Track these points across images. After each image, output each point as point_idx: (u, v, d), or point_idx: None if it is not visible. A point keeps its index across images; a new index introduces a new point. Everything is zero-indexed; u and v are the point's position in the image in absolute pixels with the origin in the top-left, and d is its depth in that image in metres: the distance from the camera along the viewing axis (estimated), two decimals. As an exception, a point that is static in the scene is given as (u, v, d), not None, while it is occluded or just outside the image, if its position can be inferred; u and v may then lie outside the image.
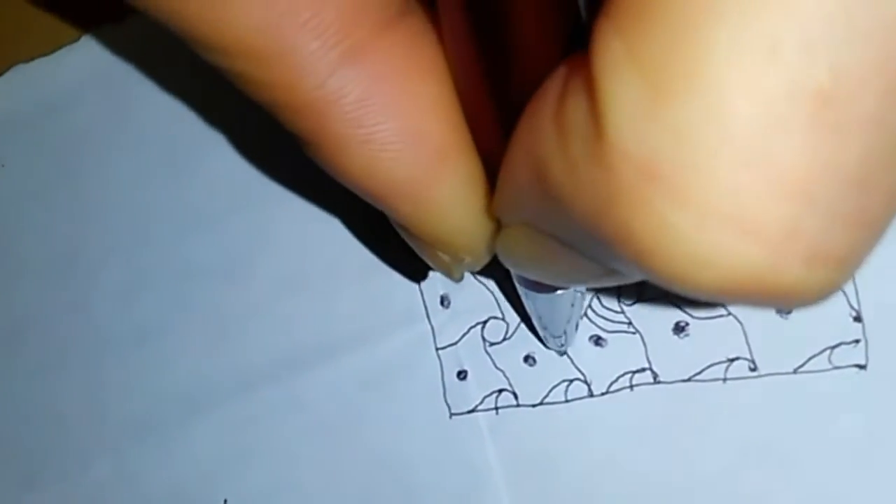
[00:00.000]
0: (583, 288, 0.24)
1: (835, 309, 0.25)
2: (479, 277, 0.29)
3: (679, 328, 0.26)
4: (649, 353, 0.27)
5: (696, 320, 0.26)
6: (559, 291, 0.21)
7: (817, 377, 0.25)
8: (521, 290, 0.22)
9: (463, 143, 0.17)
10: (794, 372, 0.25)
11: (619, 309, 0.27)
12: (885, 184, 0.10)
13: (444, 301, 0.29)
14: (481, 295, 0.29)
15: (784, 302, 0.11)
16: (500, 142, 0.15)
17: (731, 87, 0.09)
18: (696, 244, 0.10)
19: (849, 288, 0.25)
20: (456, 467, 0.29)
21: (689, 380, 0.26)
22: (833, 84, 0.09)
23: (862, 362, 0.25)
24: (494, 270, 0.23)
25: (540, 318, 0.25)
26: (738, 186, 0.09)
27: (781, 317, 0.25)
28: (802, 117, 0.09)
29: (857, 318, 0.25)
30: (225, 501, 0.31)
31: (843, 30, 0.09)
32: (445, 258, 0.19)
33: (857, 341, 0.25)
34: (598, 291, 0.27)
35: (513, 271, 0.20)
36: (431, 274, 0.29)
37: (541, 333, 0.26)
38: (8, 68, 0.32)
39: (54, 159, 0.32)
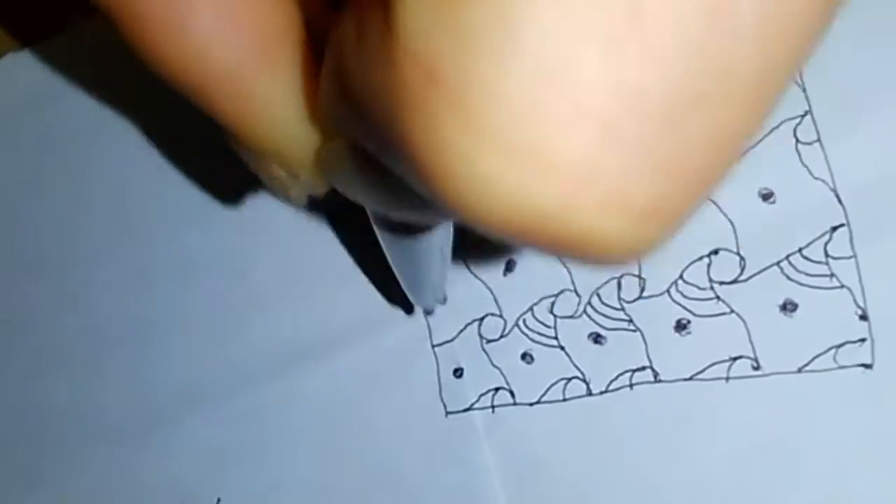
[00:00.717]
0: (446, 235, 0.22)
1: (840, 307, 0.24)
2: (476, 274, 0.28)
3: (681, 326, 0.26)
4: (650, 351, 0.26)
5: (698, 318, 0.26)
6: (419, 236, 0.19)
7: (822, 376, 0.24)
8: (378, 233, 0.20)
9: (291, 38, 0.15)
10: (799, 371, 0.24)
11: (619, 306, 0.26)
12: (706, 124, 0.08)
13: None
14: (478, 291, 0.28)
15: (578, 252, 0.09)
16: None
17: None
18: (476, 165, 0.08)
19: (854, 285, 0.24)
20: (452, 466, 0.28)
21: (690, 379, 0.26)
22: None
23: (868, 362, 0.24)
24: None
25: (400, 266, 0.22)
26: (526, 104, 0.08)
27: (786, 315, 0.25)
28: (609, 32, 0.08)
29: (864, 317, 0.24)
30: (218, 500, 0.31)
31: None
32: (280, 173, 0.17)
33: (862, 340, 0.24)
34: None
35: (369, 213, 0.18)
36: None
37: (404, 285, 0.24)
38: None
39: (48, 151, 0.32)
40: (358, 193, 0.16)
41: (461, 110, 0.08)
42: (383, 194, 0.14)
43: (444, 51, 0.08)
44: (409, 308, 0.28)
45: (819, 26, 0.08)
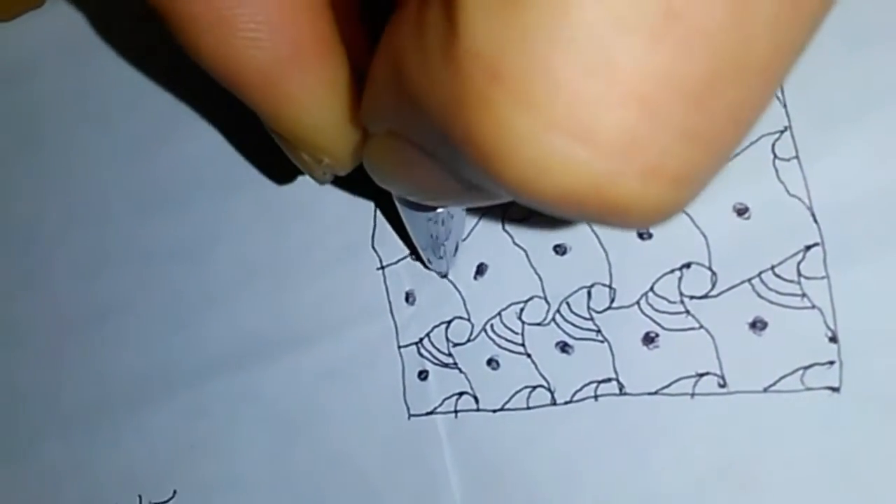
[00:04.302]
0: (461, 208, 0.24)
1: (810, 328, 0.24)
2: (448, 277, 0.28)
3: (649, 339, 0.25)
4: (616, 362, 0.26)
5: (667, 332, 0.25)
6: (439, 210, 0.21)
7: (788, 398, 0.24)
8: (399, 206, 0.21)
9: (325, 41, 0.17)
10: (765, 391, 0.24)
11: (588, 315, 0.26)
12: (727, 102, 0.10)
13: (408, 297, 0.28)
14: (447, 293, 0.28)
15: (621, 217, 0.11)
16: (368, 49, 0.15)
17: None
18: (535, 148, 0.10)
19: (826, 307, 0.23)
20: (411, 470, 0.28)
21: (655, 393, 0.25)
22: None
23: (835, 385, 0.23)
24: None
25: (418, 237, 0.24)
26: (579, 91, 0.09)
27: (755, 333, 0.24)
28: (648, 26, 0.09)
29: (833, 339, 0.23)
30: (174, 492, 0.30)
31: None
32: (306, 158, 0.19)
33: (831, 363, 0.23)
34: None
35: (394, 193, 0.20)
36: (397, 269, 0.28)
37: (421, 254, 0.26)
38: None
39: (13, 129, 0.31)
40: (395, 183, 0.17)
41: (522, 101, 0.10)
42: (426, 186, 0.15)
43: (505, 50, 0.09)
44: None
45: (823, 11, 0.10)
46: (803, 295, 0.24)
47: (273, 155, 0.29)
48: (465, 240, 0.27)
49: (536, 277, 0.27)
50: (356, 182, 0.28)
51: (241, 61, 0.16)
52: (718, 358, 0.25)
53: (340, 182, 0.29)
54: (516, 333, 0.27)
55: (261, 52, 0.16)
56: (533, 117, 0.10)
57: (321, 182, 0.21)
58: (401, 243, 0.28)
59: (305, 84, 0.17)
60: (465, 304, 0.27)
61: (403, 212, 0.22)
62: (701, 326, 0.25)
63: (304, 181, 0.29)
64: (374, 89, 0.14)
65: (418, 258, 0.27)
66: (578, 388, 0.26)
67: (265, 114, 0.18)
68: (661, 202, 0.10)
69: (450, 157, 0.12)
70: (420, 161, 0.14)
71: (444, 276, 0.27)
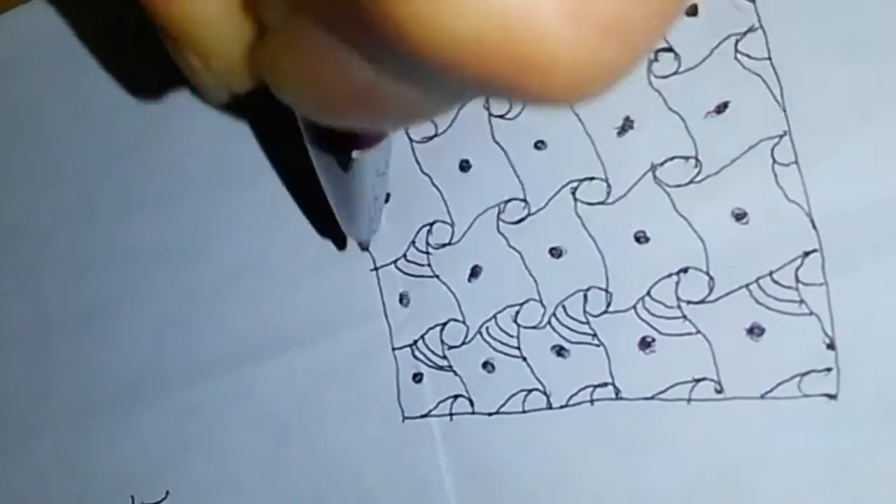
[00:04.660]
0: (381, 159, 0.21)
1: (808, 334, 0.23)
2: (441, 278, 0.27)
3: (645, 344, 0.25)
4: (613, 367, 0.25)
5: (664, 337, 0.25)
6: (352, 154, 0.18)
7: (785, 404, 0.24)
8: (311, 151, 0.19)
9: None
10: (762, 397, 0.24)
11: (584, 319, 0.26)
12: None
13: (403, 299, 0.28)
14: (442, 296, 0.27)
15: (537, 74, 0.09)
16: None
17: None
18: None
19: (823, 313, 0.23)
20: (405, 473, 0.27)
21: (652, 398, 0.25)
22: None
23: (832, 392, 0.23)
24: None
25: (334, 196, 0.22)
26: None
27: (752, 339, 0.24)
28: None
29: (831, 346, 0.23)
30: (167, 493, 0.30)
31: None
32: (195, 63, 0.17)
33: (828, 370, 0.23)
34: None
35: (303, 123, 0.18)
36: (391, 270, 0.28)
37: (338, 217, 0.24)
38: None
39: (5, 126, 0.31)
40: (296, 88, 0.15)
41: None
42: (326, 82, 0.13)
43: None
44: (341, 243, 0.27)
45: None
46: (801, 301, 0.24)
47: (266, 154, 0.28)
48: (457, 242, 0.27)
49: (532, 280, 0.26)
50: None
51: None
52: (715, 363, 0.24)
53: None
54: (512, 336, 0.27)
55: None
56: None
57: (216, 101, 0.18)
58: (395, 244, 0.28)
59: None
60: (459, 307, 0.27)
61: (317, 160, 0.20)
62: (698, 332, 0.25)
63: (297, 182, 0.28)
64: None
65: (334, 229, 0.25)
66: (574, 392, 0.26)
67: (155, 4, 0.15)
68: (584, 54, 0.09)
69: (342, 20, 0.11)
70: (321, 48, 0.12)
71: (365, 248, 0.26)
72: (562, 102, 0.09)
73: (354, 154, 0.18)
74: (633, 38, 0.09)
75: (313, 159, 0.20)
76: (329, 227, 0.27)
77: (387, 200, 0.28)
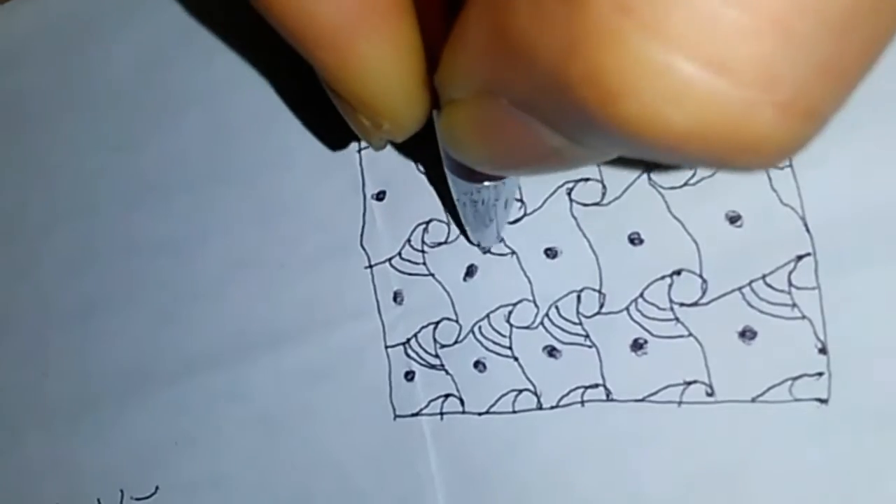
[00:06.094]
0: (514, 183, 0.23)
1: (800, 338, 0.23)
2: (436, 276, 0.27)
3: (637, 345, 0.25)
4: (604, 368, 0.25)
5: (656, 338, 0.25)
6: (487, 183, 0.20)
7: (776, 408, 0.24)
8: (449, 176, 0.21)
9: (396, 3, 0.16)
10: (753, 401, 0.24)
11: (577, 320, 0.26)
12: (866, 32, 0.10)
13: (396, 297, 0.28)
14: (436, 294, 0.27)
15: (748, 155, 0.10)
16: (442, 16, 0.15)
17: None
18: (667, 80, 0.09)
19: (816, 317, 0.23)
20: (396, 471, 0.27)
21: (643, 400, 0.25)
22: None
23: (824, 396, 0.23)
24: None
25: (465, 209, 0.23)
26: (716, 19, 0.09)
27: (744, 342, 0.24)
28: None
29: (823, 350, 0.23)
30: (156, 488, 0.30)
31: None
32: (365, 122, 0.18)
33: (820, 374, 0.23)
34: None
35: (445, 153, 0.19)
36: (385, 268, 0.28)
37: (466, 227, 0.25)
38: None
39: (2, 120, 0.31)
40: (475, 150, 0.16)
41: (654, 32, 0.09)
42: (509, 148, 0.15)
43: None
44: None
45: None
46: (794, 305, 0.23)
47: (263, 150, 0.28)
48: (453, 241, 0.27)
49: (526, 280, 0.26)
50: (345, 177, 0.28)
51: (310, 17, 0.16)
52: (707, 366, 0.24)
53: (328, 177, 0.28)
54: (504, 336, 0.27)
55: (331, 7, 0.15)
56: (665, 47, 0.09)
57: (376, 148, 0.20)
58: (389, 242, 0.28)
59: (375, 44, 0.16)
60: (453, 306, 0.27)
61: (452, 179, 0.21)
62: (690, 334, 0.24)
63: (291, 174, 0.28)
64: (463, 47, 0.14)
65: (463, 233, 0.27)
66: (565, 392, 0.26)
67: (330, 74, 0.17)
68: (792, 137, 0.10)
69: (553, 110, 0.12)
70: (511, 122, 0.13)
71: (486, 251, 0.27)
72: (759, 169, 0.11)
73: (488, 183, 0.20)
74: (823, 119, 0.10)
75: (450, 182, 0.21)
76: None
77: (383, 198, 0.28)
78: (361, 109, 0.18)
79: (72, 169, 0.31)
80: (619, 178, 0.25)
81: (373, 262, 0.28)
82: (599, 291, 0.26)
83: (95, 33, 0.30)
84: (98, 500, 0.31)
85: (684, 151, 0.10)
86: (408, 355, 0.28)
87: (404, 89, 0.17)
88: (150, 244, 0.30)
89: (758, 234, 0.24)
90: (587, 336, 0.26)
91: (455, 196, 0.22)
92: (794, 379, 0.23)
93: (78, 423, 0.31)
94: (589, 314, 0.26)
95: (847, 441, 0.23)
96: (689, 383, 0.24)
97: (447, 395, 0.27)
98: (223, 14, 0.29)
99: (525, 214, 0.26)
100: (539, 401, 0.26)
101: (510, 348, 0.26)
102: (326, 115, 0.28)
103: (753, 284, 0.24)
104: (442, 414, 0.27)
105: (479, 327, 0.27)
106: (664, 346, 0.25)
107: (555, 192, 0.26)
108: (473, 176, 0.20)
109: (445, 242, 0.27)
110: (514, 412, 0.26)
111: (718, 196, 0.24)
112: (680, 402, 0.24)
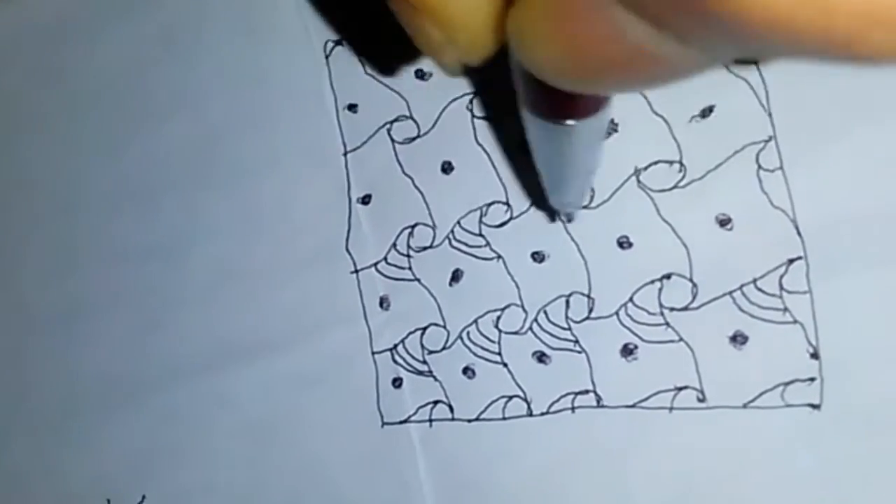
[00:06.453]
0: (600, 126, 0.20)
1: (791, 343, 0.23)
2: (422, 282, 0.27)
3: (627, 351, 0.25)
4: (594, 374, 0.25)
5: (646, 344, 0.24)
6: (569, 122, 0.18)
7: (768, 414, 0.23)
8: (528, 119, 0.19)
9: None
10: (744, 407, 0.23)
11: (566, 325, 0.25)
12: None
13: (383, 302, 0.27)
14: (422, 299, 0.27)
15: (880, 36, 0.09)
16: None
17: None
18: None
19: (808, 322, 0.23)
20: (384, 479, 0.27)
21: (633, 406, 0.25)
22: None
23: (816, 402, 0.23)
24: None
25: (547, 165, 0.21)
26: None
27: (735, 347, 0.24)
28: None
29: (815, 355, 0.23)
30: (143, 497, 0.30)
31: None
32: (438, 36, 0.16)
33: (812, 379, 0.23)
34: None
35: (522, 86, 0.17)
36: (371, 273, 0.27)
37: (545, 184, 0.23)
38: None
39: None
40: (548, 50, 0.14)
41: None
42: (586, 45, 0.13)
43: None
44: (550, 216, 0.26)
45: None
46: (785, 309, 0.23)
47: (250, 154, 0.28)
48: (438, 245, 0.27)
49: (513, 285, 0.26)
50: (333, 178, 0.27)
51: None
52: (698, 372, 0.24)
53: (314, 181, 0.28)
54: (493, 342, 0.26)
55: None
56: None
57: (450, 74, 0.18)
58: (375, 246, 0.27)
59: None
60: (440, 311, 0.27)
61: (530, 122, 0.19)
62: (680, 339, 0.24)
63: (276, 177, 0.28)
64: None
65: (541, 202, 0.25)
66: (555, 399, 0.25)
67: None
68: None
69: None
70: (594, 11, 0.12)
71: (570, 220, 0.25)
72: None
73: (572, 122, 0.18)
74: None
75: (527, 128, 0.19)
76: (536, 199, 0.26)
77: (368, 202, 0.27)
78: (432, 17, 0.16)
79: (53, 172, 0.30)
80: (607, 180, 0.25)
81: (359, 267, 0.27)
82: (588, 296, 0.25)
83: (78, 36, 0.29)
84: (85, 510, 0.30)
85: (806, 37, 0.09)
86: (395, 361, 0.27)
87: None
88: (133, 249, 0.30)
89: (748, 237, 0.23)
90: (577, 341, 0.25)
91: (533, 146, 0.20)
92: (786, 384, 0.23)
93: (64, 430, 0.31)
94: (578, 319, 0.25)
95: (840, 447, 0.23)
96: (681, 389, 0.24)
97: (436, 402, 0.27)
98: (207, 17, 0.28)
99: (511, 218, 0.26)
100: (529, 407, 0.26)
101: (499, 354, 0.26)
102: (312, 117, 0.28)
103: (744, 288, 0.23)
104: (431, 421, 0.27)
105: (468, 333, 0.26)
106: (655, 352, 0.24)
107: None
108: (554, 111, 0.18)
109: (431, 247, 0.27)
110: (505, 419, 0.26)
111: (709, 199, 0.24)
112: (671, 408, 0.24)
